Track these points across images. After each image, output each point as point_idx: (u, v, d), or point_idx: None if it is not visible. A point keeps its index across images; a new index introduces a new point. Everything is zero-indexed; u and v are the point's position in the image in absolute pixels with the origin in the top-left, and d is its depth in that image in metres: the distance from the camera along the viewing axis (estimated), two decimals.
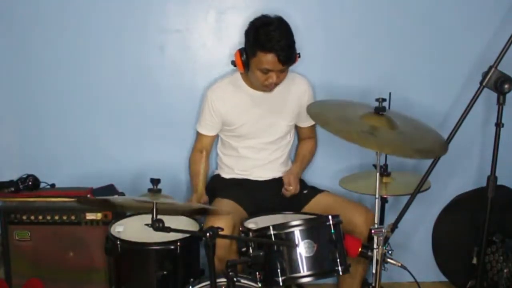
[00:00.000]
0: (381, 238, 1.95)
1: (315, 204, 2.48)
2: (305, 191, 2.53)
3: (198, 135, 2.65)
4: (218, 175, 2.68)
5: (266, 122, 2.55)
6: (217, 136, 2.65)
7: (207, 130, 2.61)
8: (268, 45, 2.30)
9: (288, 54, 2.33)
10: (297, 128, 2.71)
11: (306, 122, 2.65)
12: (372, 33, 2.74)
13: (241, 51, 2.43)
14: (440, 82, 2.80)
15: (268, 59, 2.32)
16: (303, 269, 1.94)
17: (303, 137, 2.73)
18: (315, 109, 2.24)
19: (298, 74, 2.62)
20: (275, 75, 2.37)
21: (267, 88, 2.44)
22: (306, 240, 1.95)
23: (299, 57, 2.46)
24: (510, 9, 2.70)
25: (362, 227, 2.30)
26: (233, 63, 2.46)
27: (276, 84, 2.43)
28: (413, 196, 2.28)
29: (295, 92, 2.57)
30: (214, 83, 2.60)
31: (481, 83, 2.28)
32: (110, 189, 2.64)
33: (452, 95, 2.77)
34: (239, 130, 2.56)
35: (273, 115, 2.55)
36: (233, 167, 2.63)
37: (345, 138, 1.98)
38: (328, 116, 2.14)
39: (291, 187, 2.48)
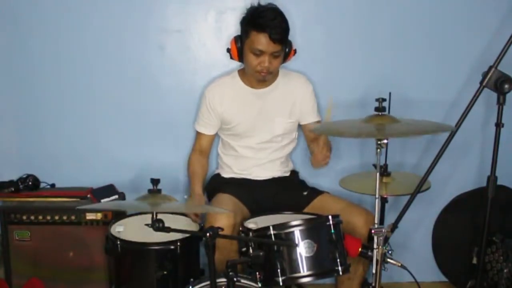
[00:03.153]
0: (381, 238, 1.95)
1: (315, 206, 2.47)
2: (305, 193, 2.53)
3: (197, 134, 2.65)
4: (218, 174, 2.68)
5: (263, 120, 2.55)
6: (216, 135, 2.65)
7: (206, 129, 2.61)
8: (261, 22, 2.31)
9: (280, 33, 2.33)
10: (303, 129, 2.66)
11: (311, 117, 2.62)
12: (372, 33, 2.74)
13: (236, 38, 2.44)
14: (440, 82, 2.80)
15: (261, 39, 2.32)
16: (303, 269, 1.95)
17: (311, 138, 2.63)
18: (319, 129, 2.33)
19: (296, 72, 2.62)
20: (267, 58, 2.36)
21: (260, 75, 2.42)
22: (306, 240, 1.95)
23: (295, 52, 2.46)
24: (510, 9, 2.70)
25: (362, 230, 2.29)
26: (228, 51, 2.47)
27: (268, 71, 2.41)
28: (413, 196, 2.28)
29: (291, 89, 2.57)
30: (211, 82, 2.60)
31: (481, 83, 2.28)
32: (110, 189, 2.64)
33: (452, 95, 2.77)
34: (237, 129, 2.56)
35: (270, 113, 2.55)
36: (232, 166, 2.63)
37: (368, 136, 2.00)
38: (338, 128, 2.16)
39: (323, 152, 2.36)
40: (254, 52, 2.36)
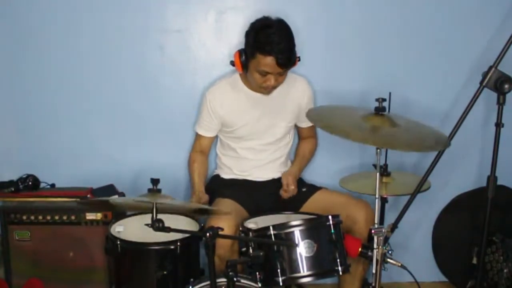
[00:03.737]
0: (381, 238, 1.95)
1: (314, 202, 2.48)
2: (303, 189, 2.53)
3: (197, 136, 2.65)
4: (218, 176, 2.68)
5: (265, 124, 2.55)
6: (216, 137, 2.65)
7: (206, 131, 2.61)
8: (267, 48, 2.29)
9: (287, 58, 2.32)
10: (297, 128, 2.71)
11: (306, 122, 2.65)
12: (372, 33, 2.74)
13: (240, 52, 2.42)
14: (440, 82, 2.80)
15: (267, 62, 2.31)
16: (303, 269, 1.95)
17: (304, 137, 2.73)
18: (315, 114, 2.28)
19: (298, 75, 2.62)
20: (273, 78, 2.37)
21: (265, 90, 2.44)
22: (306, 240, 1.95)
23: (299, 60, 2.45)
24: (510, 9, 2.70)
25: (362, 222, 2.30)
26: (232, 63, 2.46)
27: (274, 87, 2.43)
28: (413, 196, 2.28)
29: (294, 92, 2.57)
30: (212, 84, 2.60)
31: (481, 83, 2.28)
32: (110, 189, 2.64)
33: (452, 95, 2.77)
34: (238, 132, 2.56)
35: (272, 116, 2.55)
36: (232, 167, 2.63)
37: (352, 139, 1.98)
38: (329, 120, 2.15)
39: (291, 187, 2.47)
40: (260, 73, 2.36)
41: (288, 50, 2.34)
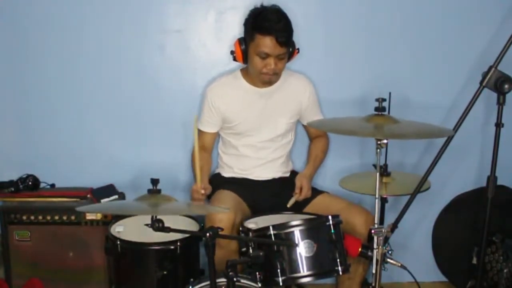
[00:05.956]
0: (381, 238, 1.95)
1: (315, 206, 2.47)
2: None
3: (199, 132, 2.65)
4: (219, 174, 2.68)
5: (265, 119, 2.55)
6: (218, 133, 2.65)
7: (208, 127, 2.61)
8: (266, 26, 2.31)
9: (286, 36, 2.34)
10: (305, 128, 2.71)
11: (314, 118, 2.63)
12: (372, 33, 2.74)
13: (240, 40, 2.44)
14: (440, 82, 2.80)
15: (266, 42, 2.32)
16: (303, 269, 1.95)
17: (313, 136, 2.72)
18: (317, 123, 2.44)
19: (298, 72, 2.62)
20: (273, 61, 2.37)
21: (266, 77, 2.43)
22: (306, 240, 1.95)
23: (298, 52, 2.46)
24: (510, 9, 2.70)
25: (362, 229, 2.30)
26: (232, 53, 2.47)
27: (274, 73, 2.42)
28: (413, 196, 2.28)
29: (294, 89, 2.57)
30: (213, 81, 2.61)
31: (481, 83, 2.28)
32: (110, 189, 2.64)
33: (452, 95, 2.77)
34: (239, 127, 2.56)
35: (272, 112, 2.55)
36: (233, 166, 2.63)
37: (360, 135, 2.03)
38: (332, 124, 2.18)
39: (305, 190, 2.44)
40: (260, 55, 2.37)
41: (287, 29, 2.36)
